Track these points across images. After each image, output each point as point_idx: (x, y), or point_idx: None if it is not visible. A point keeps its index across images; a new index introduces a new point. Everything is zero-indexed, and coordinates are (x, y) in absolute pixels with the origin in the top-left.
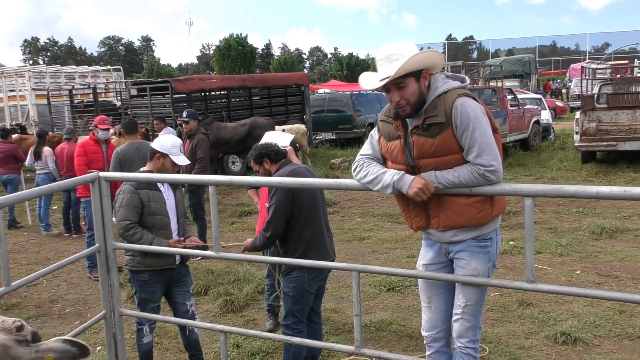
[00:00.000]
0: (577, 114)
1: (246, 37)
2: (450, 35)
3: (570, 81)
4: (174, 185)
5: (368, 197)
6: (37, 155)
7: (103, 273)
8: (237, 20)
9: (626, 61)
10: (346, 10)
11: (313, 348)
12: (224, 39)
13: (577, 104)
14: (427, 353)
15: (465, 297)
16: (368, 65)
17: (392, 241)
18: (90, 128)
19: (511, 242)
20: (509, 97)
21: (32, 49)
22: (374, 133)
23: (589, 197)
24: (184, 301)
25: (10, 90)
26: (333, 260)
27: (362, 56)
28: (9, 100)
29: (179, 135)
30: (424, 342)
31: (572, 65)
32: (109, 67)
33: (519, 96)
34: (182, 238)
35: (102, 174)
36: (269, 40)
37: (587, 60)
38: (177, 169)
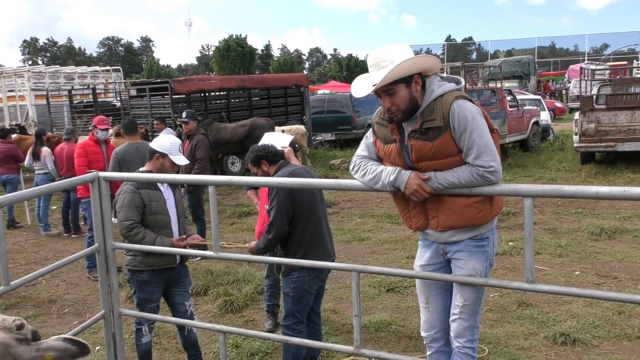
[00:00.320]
0: (576, 115)
1: (246, 38)
2: (450, 36)
3: (569, 82)
4: (173, 185)
5: (367, 198)
6: (36, 156)
7: (102, 273)
8: (237, 21)
9: (625, 62)
10: (345, 11)
11: (312, 348)
12: (224, 39)
13: (576, 104)
14: (428, 353)
15: (463, 297)
16: (367, 66)
17: (391, 242)
18: (90, 128)
19: (510, 243)
20: (508, 98)
21: (32, 49)
22: (369, 134)
23: (589, 197)
24: (182, 301)
25: (10, 91)
26: (333, 261)
27: (361, 57)
28: (8, 101)
29: (179, 136)
30: (424, 342)
31: (571, 66)
32: (108, 67)
33: (518, 97)
34: (184, 236)
35: (102, 173)
36: (269, 41)
37: (586, 61)
38: (176, 169)
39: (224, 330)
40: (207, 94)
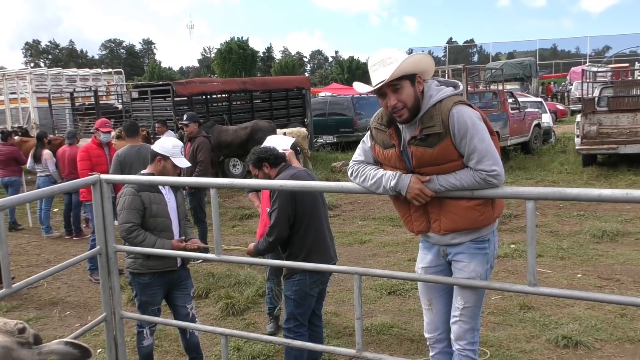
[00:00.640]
0: (578, 117)
1: (247, 40)
2: (451, 38)
3: (571, 84)
4: (175, 188)
5: (369, 201)
6: (37, 158)
7: (104, 275)
8: (238, 24)
9: (627, 64)
10: (347, 14)
11: (314, 351)
12: (225, 42)
13: (578, 107)
14: (431, 354)
15: (464, 299)
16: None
17: (393, 244)
18: (92, 131)
19: (512, 246)
20: (510, 100)
21: (34, 51)
22: (367, 139)
23: (591, 199)
24: (184, 304)
25: (12, 93)
26: (335, 264)
27: (363, 59)
28: (10, 103)
29: (180, 139)
30: (427, 343)
31: (572, 68)
32: (110, 70)
33: (520, 99)
34: (183, 238)
35: (104, 176)
36: (270, 44)
37: (587, 64)
38: (178, 171)
39: (226, 333)
40: (208, 97)
